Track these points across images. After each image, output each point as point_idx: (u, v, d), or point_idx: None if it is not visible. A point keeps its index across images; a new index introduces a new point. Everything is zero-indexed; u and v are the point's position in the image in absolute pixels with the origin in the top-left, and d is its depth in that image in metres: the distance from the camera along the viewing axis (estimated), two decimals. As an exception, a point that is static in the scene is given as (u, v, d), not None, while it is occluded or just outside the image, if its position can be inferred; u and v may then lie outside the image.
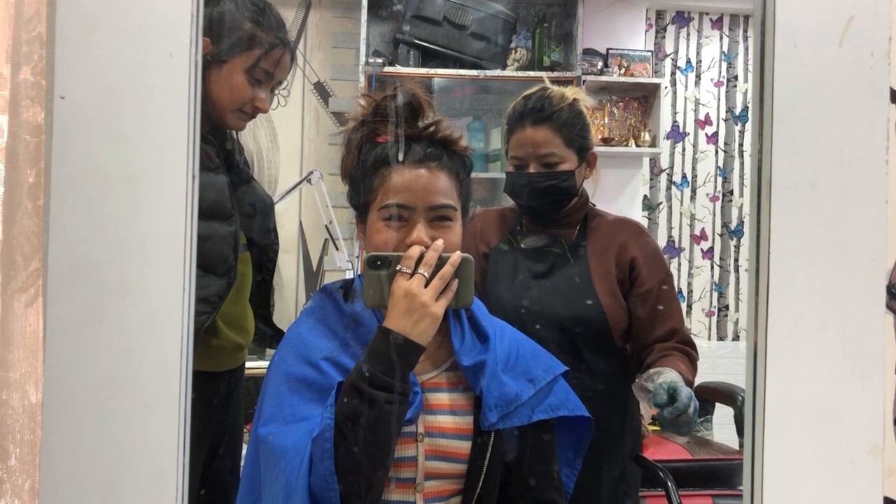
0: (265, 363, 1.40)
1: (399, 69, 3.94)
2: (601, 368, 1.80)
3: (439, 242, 1.24)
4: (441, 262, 1.22)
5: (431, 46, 3.95)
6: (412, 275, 1.20)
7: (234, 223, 1.73)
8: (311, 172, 3.61)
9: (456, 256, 1.23)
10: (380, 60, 3.89)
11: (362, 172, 1.34)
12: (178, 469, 0.60)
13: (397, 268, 1.22)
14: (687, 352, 1.77)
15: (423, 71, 3.96)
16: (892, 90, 0.68)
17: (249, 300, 1.89)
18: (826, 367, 0.68)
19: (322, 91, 4.22)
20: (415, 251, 1.22)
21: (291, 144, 4.18)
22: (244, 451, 1.95)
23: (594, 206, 2.00)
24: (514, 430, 1.32)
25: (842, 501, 0.68)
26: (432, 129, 1.34)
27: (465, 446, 1.29)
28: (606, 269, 1.83)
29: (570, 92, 1.86)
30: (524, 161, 1.83)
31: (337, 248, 3.65)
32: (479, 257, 1.93)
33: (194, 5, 0.60)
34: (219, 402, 1.81)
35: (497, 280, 1.87)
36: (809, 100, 0.67)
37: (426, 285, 1.20)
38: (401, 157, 1.31)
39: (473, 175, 1.42)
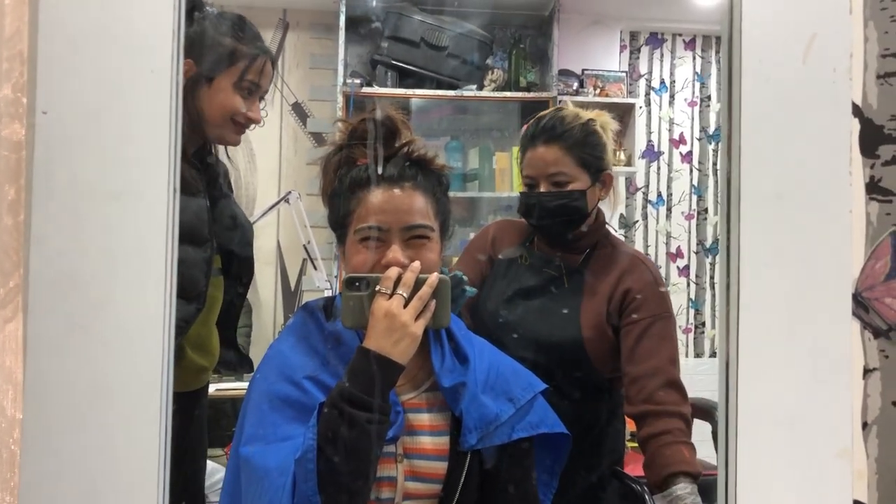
0: (244, 384, 1.39)
1: (377, 90, 3.97)
2: (575, 396, 1.77)
3: (416, 264, 1.24)
4: (419, 283, 1.23)
5: (409, 67, 3.99)
6: (391, 295, 1.21)
7: (208, 249, 1.72)
8: (289, 192, 3.62)
9: (433, 278, 1.24)
10: (357, 81, 3.91)
11: (339, 196, 1.35)
12: (159, 483, 0.60)
13: (376, 288, 1.22)
14: (682, 416, 1.71)
15: (401, 91, 3.99)
16: (853, 105, 0.71)
17: (217, 323, 1.88)
18: (795, 374, 0.70)
19: (300, 112, 4.23)
20: (393, 272, 1.23)
21: (269, 165, 4.18)
22: (207, 471, 1.94)
23: (614, 229, 1.98)
24: (491, 448, 1.32)
25: (813, 505, 0.69)
26: (406, 149, 1.35)
27: (441, 467, 1.29)
28: (597, 301, 1.79)
29: (589, 112, 1.83)
30: (535, 180, 1.80)
31: (315, 268, 3.65)
32: (486, 263, 1.91)
33: (175, 22, 0.61)
34: (179, 423, 1.78)
35: (490, 289, 1.86)
36: (775, 114, 0.69)
37: (405, 305, 1.21)
38: (374, 179, 1.32)
39: (451, 194, 1.42)
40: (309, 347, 1.32)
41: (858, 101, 0.71)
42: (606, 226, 1.90)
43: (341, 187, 1.35)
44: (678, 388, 1.72)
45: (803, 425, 0.70)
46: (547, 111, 1.85)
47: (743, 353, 0.69)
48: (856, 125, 0.71)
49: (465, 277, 1.57)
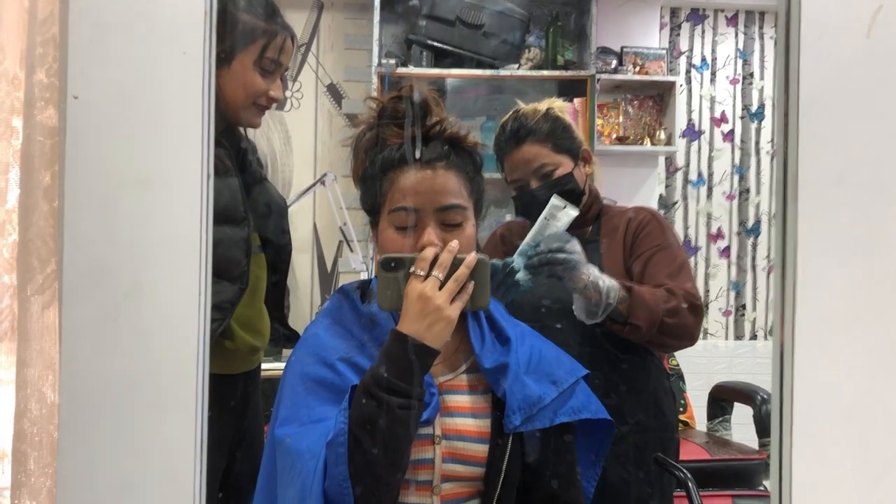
0: (281, 364, 1.39)
1: (412, 70, 3.93)
2: (624, 362, 1.80)
3: (454, 244, 1.22)
4: (456, 263, 1.20)
5: (445, 46, 3.94)
6: (426, 277, 1.19)
7: (246, 227, 1.72)
8: (325, 174, 3.61)
9: (471, 258, 1.20)
10: (393, 61, 3.88)
11: (371, 177, 1.33)
12: (195, 471, 0.59)
13: (411, 270, 1.20)
14: (669, 289, 1.72)
15: (436, 71, 3.95)
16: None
17: (265, 302, 1.88)
18: (856, 367, 0.66)
19: (335, 93, 4.22)
20: (429, 253, 1.20)
21: (305, 147, 4.18)
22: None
23: (614, 202, 2.00)
24: (534, 432, 1.30)
25: (873, 504, 0.66)
26: (438, 127, 1.32)
27: (482, 449, 1.27)
28: (616, 258, 1.84)
29: (543, 103, 1.93)
30: (523, 180, 1.88)
31: (351, 250, 3.65)
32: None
33: (208, 3, 0.59)
34: (235, 405, 1.80)
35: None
36: (836, 92, 0.65)
37: (441, 287, 1.18)
38: (408, 159, 1.30)
39: (487, 175, 1.40)
40: (344, 330, 1.32)
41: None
42: (605, 200, 1.99)
43: (373, 168, 1.33)
44: (688, 292, 1.74)
45: (864, 422, 0.66)
46: (506, 116, 1.94)
47: (799, 345, 0.65)
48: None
49: (517, 267, 1.60)
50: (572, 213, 1.70)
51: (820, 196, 0.65)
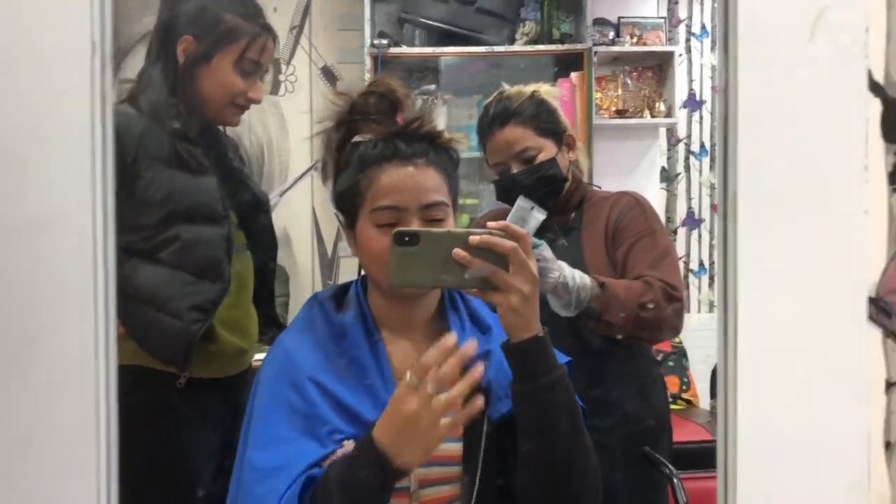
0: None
1: (405, 49, 3.87)
2: (606, 352, 1.77)
3: (472, 345, 1.09)
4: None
5: (437, 24, 3.88)
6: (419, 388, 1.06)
7: (226, 225, 1.70)
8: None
9: (477, 372, 1.07)
10: (385, 42, 3.82)
11: (346, 175, 1.30)
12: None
13: (404, 382, 1.08)
14: (647, 280, 1.67)
15: (430, 50, 3.89)
16: (872, 82, 0.61)
17: (253, 302, 1.86)
18: (804, 391, 0.63)
19: (329, 75, 4.17)
20: (430, 359, 1.07)
21: (301, 130, 4.15)
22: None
23: (598, 187, 1.98)
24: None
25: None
26: (416, 124, 1.29)
27: (455, 448, 1.25)
28: (597, 245, 1.82)
29: (529, 87, 1.90)
30: (504, 164, 1.85)
31: (349, 235, 3.62)
32: None
33: (98, 35, 0.55)
34: (223, 410, 1.79)
35: None
36: (777, 101, 0.60)
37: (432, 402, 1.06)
38: (385, 156, 1.26)
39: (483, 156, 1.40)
40: (313, 340, 1.29)
41: (880, 79, 0.62)
42: (588, 184, 1.97)
43: (348, 166, 1.30)
44: (667, 284, 1.68)
45: (812, 450, 0.62)
46: (490, 98, 1.91)
47: (742, 369, 0.61)
48: (875, 109, 0.62)
49: None
50: (539, 216, 1.66)
51: (760, 214, 0.61)
